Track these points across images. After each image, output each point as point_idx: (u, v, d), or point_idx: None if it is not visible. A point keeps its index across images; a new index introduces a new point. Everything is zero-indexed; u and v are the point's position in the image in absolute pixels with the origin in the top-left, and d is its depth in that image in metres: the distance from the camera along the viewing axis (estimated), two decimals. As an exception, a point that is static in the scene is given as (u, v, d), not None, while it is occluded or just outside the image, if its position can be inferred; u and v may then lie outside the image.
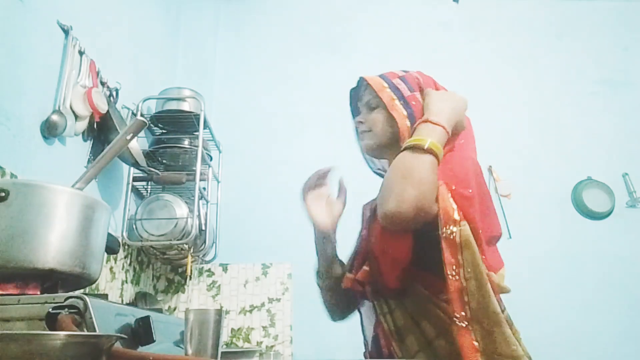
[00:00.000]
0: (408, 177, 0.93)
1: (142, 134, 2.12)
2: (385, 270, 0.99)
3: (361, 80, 1.25)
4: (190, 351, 0.95)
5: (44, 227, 1.01)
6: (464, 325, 0.89)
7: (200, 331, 0.97)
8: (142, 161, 1.99)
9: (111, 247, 1.47)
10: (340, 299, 1.19)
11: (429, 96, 1.14)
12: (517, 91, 3.03)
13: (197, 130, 2.21)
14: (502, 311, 0.98)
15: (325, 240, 1.22)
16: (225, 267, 2.62)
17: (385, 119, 1.15)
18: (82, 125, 1.68)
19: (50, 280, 1.02)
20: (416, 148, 0.96)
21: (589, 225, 2.76)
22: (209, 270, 2.61)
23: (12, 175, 1.33)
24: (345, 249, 1.24)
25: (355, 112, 1.28)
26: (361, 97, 1.24)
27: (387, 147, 1.15)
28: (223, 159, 2.65)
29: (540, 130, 2.93)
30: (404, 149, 0.98)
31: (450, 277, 0.89)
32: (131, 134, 1.21)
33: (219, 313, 1.00)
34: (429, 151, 0.95)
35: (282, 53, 3.10)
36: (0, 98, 1.34)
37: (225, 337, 2.44)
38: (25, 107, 1.43)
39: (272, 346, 2.46)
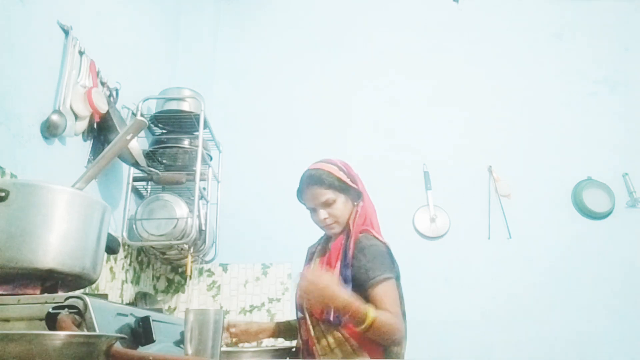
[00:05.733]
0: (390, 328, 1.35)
1: (142, 134, 2.13)
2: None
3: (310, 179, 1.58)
4: (190, 351, 0.95)
5: (44, 227, 1.01)
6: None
7: (200, 331, 0.97)
8: (142, 161, 1.99)
9: (111, 247, 1.47)
10: None
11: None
12: (517, 91, 3.03)
13: (197, 130, 2.21)
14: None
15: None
16: (225, 267, 2.62)
17: (344, 206, 1.54)
18: (82, 125, 1.68)
19: (50, 280, 1.02)
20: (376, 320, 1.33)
21: (589, 225, 2.76)
22: (209, 270, 2.61)
23: (12, 175, 1.33)
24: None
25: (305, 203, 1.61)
26: (316, 195, 1.54)
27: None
28: (223, 159, 2.65)
29: (540, 130, 2.93)
30: (373, 319, 1.31)
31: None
32: (131, 134, 1.21)
33: (219, 313, 1.00)
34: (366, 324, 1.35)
35: (282, 53, 3.10)
36: (0, 98, 1.34)
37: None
38: (25, 107, 1.43)
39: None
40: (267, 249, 2.64)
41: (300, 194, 1.61)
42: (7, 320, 0.84)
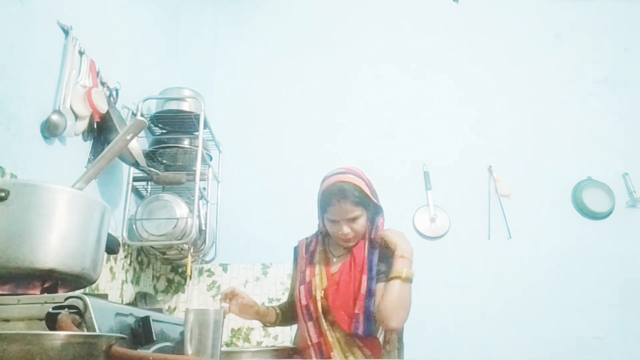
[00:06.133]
0: (402, 303, 1.46)
1: (142, 134, 2.12)
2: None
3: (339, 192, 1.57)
4: (190, 351, 0.95)
5: (44, 227, 1.01)
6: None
7: (200, 331, 0.97)
8: (142, 161, 1.99)
9: (111, 247, 1.47)
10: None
11: (392, 236, 1.59)
12: (517, 91, 3.03)
13: (197, 130, 2.21)
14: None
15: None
16: (225, 267, 2.62)
17: (365, 221, 1.59)
18: (82, 125, 1.68)
19: (50, 280, 1.02)
20: (408, 280, 1.48)
21: (589, 225, 2.76)
22: (209, 270, 2.61)
23: (12, 175, 1.33)
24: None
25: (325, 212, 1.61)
26: (345, 211, 1.55)
27: None
28: (223, 159, 2.65)
29: (540, 130, 2.93)
30: (396, 278, 1.47)
31: None
32: (131, 134, 1.21)
33: (219, 313, 1.00)
34: (409, 280, 1.48)
35: (282, 53, 3.10)
36: (0, 98, 1.34)
37: (225, 337, 2.44)
38: (25, 107, 1.43)
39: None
40: (267, 249, 2.64)
41: (327, 205, 1.57)
42: (7, 320, 0.84)
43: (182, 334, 1.03)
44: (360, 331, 1.48)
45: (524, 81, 3.05)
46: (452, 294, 2.59)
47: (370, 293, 1.52)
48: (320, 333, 1.53)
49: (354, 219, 1.56)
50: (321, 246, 1.70)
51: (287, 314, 1.71)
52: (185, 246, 2.16)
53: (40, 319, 0.80)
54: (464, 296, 2.59)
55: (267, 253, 2.63)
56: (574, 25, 3.18)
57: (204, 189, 2.29)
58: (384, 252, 1.58)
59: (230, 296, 1.54)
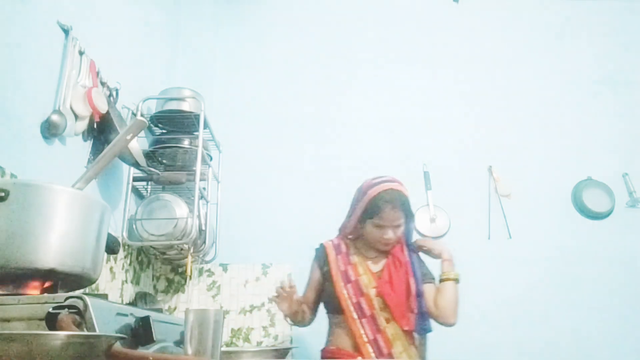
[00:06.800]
0: (457, 303, 1.72)
1: (142, 134, 2.12)
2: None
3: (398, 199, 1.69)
4: (190, 351, 0.95)
5: (44, 227, 1.01)
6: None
7: (200, 331, 0.97)
8: (142, 161, 1.99)
9: (111, 247, 1.47)
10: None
11: (433, 243, 1.83)
12: (517, 91, 3.02)
13: (197, 130, 2.20)
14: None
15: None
16: (225, 267, 2.62)
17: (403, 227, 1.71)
18: (82, 125, 1.68)
19: (50, 280, 1.02)
20: (457, 281, 1.74)
21: (589, 225, 2.75)
22: (209, 270, 2.61)
23: (12, 175, 1.33)
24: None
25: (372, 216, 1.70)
26: (397, 218, 1.68)
27: None
28: (223, 159, 2.65)
29: (540, 130, 2.93)
30: (449, 279, 1.72)
31: None
32: (131, 134, 1.21)
33: (219, 313, 1.00)
34: (457, 281, 1.75)
35: (282, 53, 3.10)
36: (0, 98, 1.34)
37: (225, 337, 2.45)
38: (25, 107, 1.43)
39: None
40: (267, 249, 2.64)
41: (377, 210, 1.66)
42: (7, 320, 0.84)
43: (182, 334, 1.03)
44: (417, 329, 1.63)
45: (524, 81, 3.05)
46: (452, 294, 2.59)
47: (419, 293, 1.66)
48: (377, 330, 1.60)
49: (399, 226, 1.67)
50: (354, 248, 1.76)
51: (311, 313, 1.80)
52: (185, 246, 2.16)
53: (40, 319, 0.80)
54: (464, 296, 2.57)
55: (267, 253, 2.63)
56: (574, 25, 3.18)
57: (204, 189, 2.29)
58: (419, 257, 1.77)
59: (291, 290, 1.64)
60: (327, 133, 2.90)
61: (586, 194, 2.77)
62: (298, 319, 1.74)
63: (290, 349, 2.11)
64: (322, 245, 1.86)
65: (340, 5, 3.23)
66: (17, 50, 1.41)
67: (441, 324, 1.70)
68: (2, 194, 0.98)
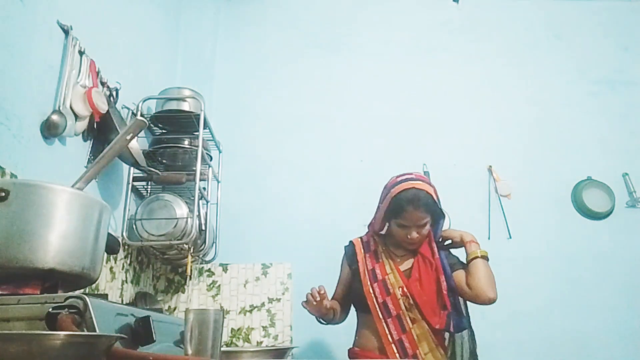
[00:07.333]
0: (491, 276, 1.68)
1: (142, 134, 2.12)
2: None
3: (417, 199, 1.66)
4: (190, 351, 0.95)
5: (44, 227, 1.01)
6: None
7: (200, 331, 0.97)
8: (142, 161, 1.99)
9: (111, 247, 1.47)
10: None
11: (451, 231, 1.84)
12: (517, 91, 3.02)
13: (197, 130, 2.20)
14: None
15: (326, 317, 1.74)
16: (225, 267, 2.62)
17: (429, 225, 1.70)
18: (82, 125, 1.68)
19: (50, 280, 1.02)
20: (485, 258, 1.73)
21: (589, 225, 2.75)
22: (209, 270, 2.61)
23: (12, 175, 1.33)
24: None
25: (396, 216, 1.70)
26: (420, 218, 1.65)
27: None
28: (223, 159, 2.65)
29: (540, 130, 2.93)
30: (478, 257, 1.72)
31: None
32: (131, 134, 1.21)
33: (219, 313, 1.00)
34: (486, 257, 1.74)
35: (282, 53, 3.10)
36: (0, 98, 1.34)
37: (225, 337, 2.44)
38: (25, 107, 1.43)
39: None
40: (267, 249, 2.64)
41: (400, 210, 1.65)
42: (7, 320, 0.84)
43: (182, 334, 1.03)
44: (451, 327, 1.59)
45: (524, 81, 3.05)
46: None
47: (451, 290, 1.64)
48: (402, 330, 1.57)
49: (423, 225, 1.65)
50: (383, 246, 1.74)
51: (342, 311, 1.80)
52: (185, 246, 2.15)
53: (40, 319, 0.80)
54: (464, 296, 2.59)
55: (267, 253, 2.63)
56: (574, 25, 3.18)
57: (204, 189, 2.29)
58: (449, 252, 1.77)
59: (322, 296, 1.62)
60: (327, 133, 2.90)
61: (586, 194, 2.77)
62: (329, 318, 1.73)
63: (290, 349, 2.11)
64: (351, 242, 1.84)
65: (341, 6, 3.23)
66: (17, 50, 1.41)
67: (482, 303, 1.65)
68: (2, 194, 0.98)
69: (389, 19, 3.19)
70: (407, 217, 1.63)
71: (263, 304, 2.55)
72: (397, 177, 1.73)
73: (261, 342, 2.49)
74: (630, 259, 2.67)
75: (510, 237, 2.71)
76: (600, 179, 2.81)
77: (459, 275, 1.69)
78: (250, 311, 2.54)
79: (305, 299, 1.65)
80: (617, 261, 2.66)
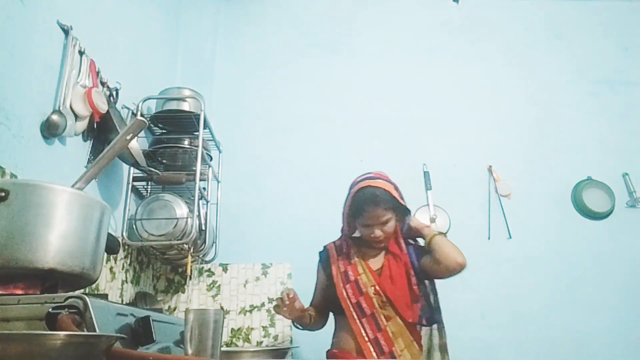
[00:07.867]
0: (455, 247, 1.64)
1: (142, 134, 2.12)
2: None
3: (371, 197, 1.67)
4: (190, 351, 0.95)
5: (44, 227, 1.01)
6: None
7: (200, 331, 0.97)
8: (142, 161, 1.99)
9: (111, 247, 1.47)
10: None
11: (412, 221, 1.80)
12: (517, 91, 3.03)
13: (197, 130, 2.20)
14: None
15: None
16: (225, 267, 2.62)
17: (393, 222, 1.70)
18: (82, 125, 1.68)
19: (50, 280, 1.02)
20: (441, 234, 1.70)
21: (589, 225, 2.76)
22: (209, 270, 2.61)
23: (12, 175, 1.33)
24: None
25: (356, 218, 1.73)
26: (378, 216, 1.66)
27: None
28: (223, 159, 2.65)
29: (540, 130, 2.93)
30: (433, 237, 1.68)
31: None
32: (131, 134, 1.21)
33: (219, 313, 1.00)
34: (444, 234, 1.74)
35: (282, 53, 3.10)
36: (0, 98, 1.34)
37: (225, 337, 2.45)
38: (25, 107, 1.43)
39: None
40: (267, 249, 2.64)
41: (359, 211, 1.67)
42: (7, 320, 0.84)
43: (182, 334, 1.03)
44: (424, 320, 1.62)
45: (524, 81, 3.05)
46: (452, 293, 2.58)
47: (422, 283, 1.67)
48: (378, 328, 1.59)
49: (385, 222, 1.66)
50: (354, 247, 1.75)
51: (321, 317, 1.80)
52: (185, 246, 2.15)
53: (40, 319, 0.80)
54: (464, 296, 2.59)
55: (267, 253, 2.64)
56: (574, 25, 3.18)
57: (204, 189, 2.29)
58: (417, 244, 1.78)
59: (292, 298, 1.61)
60: (327, 133, 2.90)
61: (586, 194, 2.77)
62: (305, 322, 1.73)
63: (290, 349, 2.11)
64: (325, 247, 1.87)
65: (341, 6, 3.23)
66: (17, 50, 1.41)
67: (455, 271, 1.64)
68: (2, 194, 0.98)
69: (389, 19, 3.19)
70: (367, 216, 1.65)
71: (263, 304, 2.55)
72: (359, 177, 1.76)
73: (261, 342, 2.49)
74: (630, 259, 2.67)
75: (510, 237, 2.71)
76: (600, 179, 2.81)
77: (427, 260, 1.70)
78: (250, 311, 2.54)
79: (276, 304, 1.66)
80: (617, 261, 2.66)
